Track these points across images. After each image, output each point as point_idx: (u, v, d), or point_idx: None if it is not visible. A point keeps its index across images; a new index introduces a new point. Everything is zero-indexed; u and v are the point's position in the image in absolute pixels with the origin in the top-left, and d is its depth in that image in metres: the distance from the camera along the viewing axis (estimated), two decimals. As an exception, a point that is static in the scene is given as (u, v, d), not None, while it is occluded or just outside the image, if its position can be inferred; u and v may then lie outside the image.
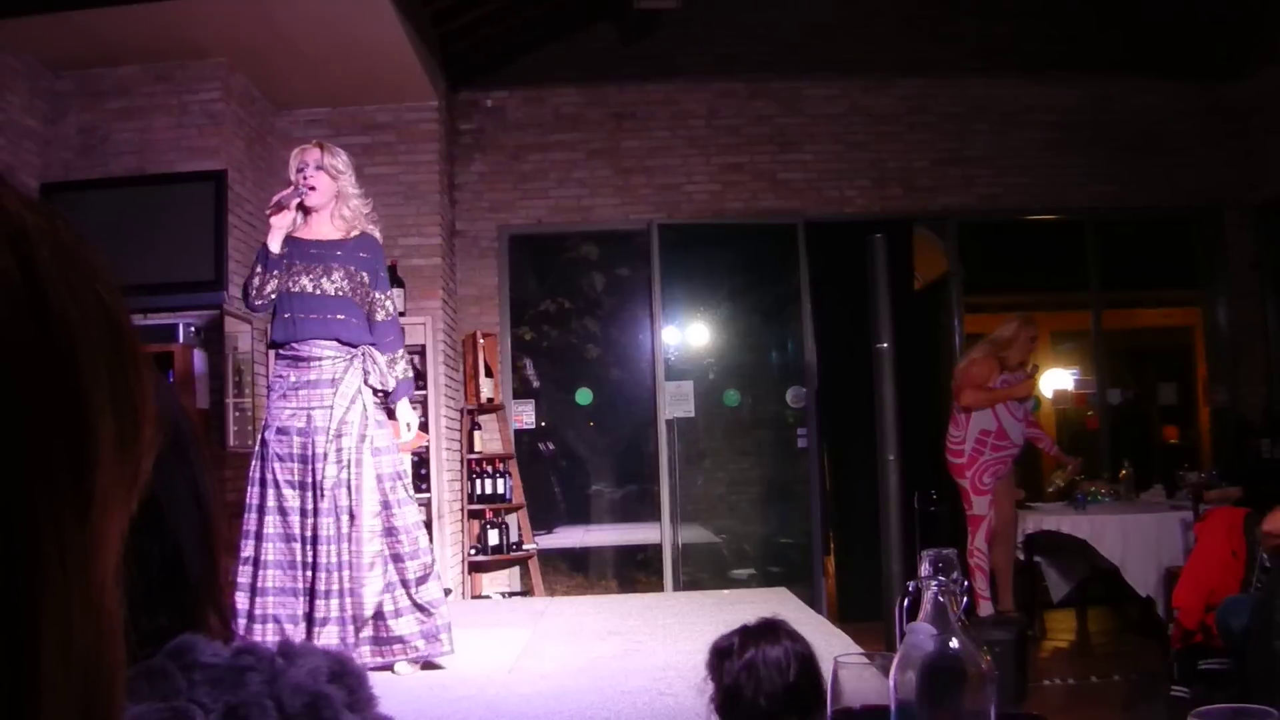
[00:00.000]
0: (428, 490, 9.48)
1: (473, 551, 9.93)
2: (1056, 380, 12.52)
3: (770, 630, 2.63)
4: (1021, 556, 8.95)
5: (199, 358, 7.93)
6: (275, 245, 5.71)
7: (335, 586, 5.47)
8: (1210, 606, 6.34)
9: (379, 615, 5.55)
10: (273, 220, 5.74)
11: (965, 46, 10.94)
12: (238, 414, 8.26)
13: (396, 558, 5.61)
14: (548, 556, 10.85)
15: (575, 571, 11.38)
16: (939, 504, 8.78)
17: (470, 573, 9.98)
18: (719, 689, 2.56)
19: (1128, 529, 8.29)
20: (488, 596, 9.94)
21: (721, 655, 2.57)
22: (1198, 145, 11.00)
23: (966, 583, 7.47)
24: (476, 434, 10.17)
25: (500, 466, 10.11)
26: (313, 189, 5.74)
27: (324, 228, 5.82)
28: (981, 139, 10.98)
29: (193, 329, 7.99)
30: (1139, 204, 10.99)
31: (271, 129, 9.55)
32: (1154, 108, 11.05)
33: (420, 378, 9.52)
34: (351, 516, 5.50)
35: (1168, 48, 10.73)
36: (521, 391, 10.97)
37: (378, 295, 5.85)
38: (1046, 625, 9.44)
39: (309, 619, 5.49)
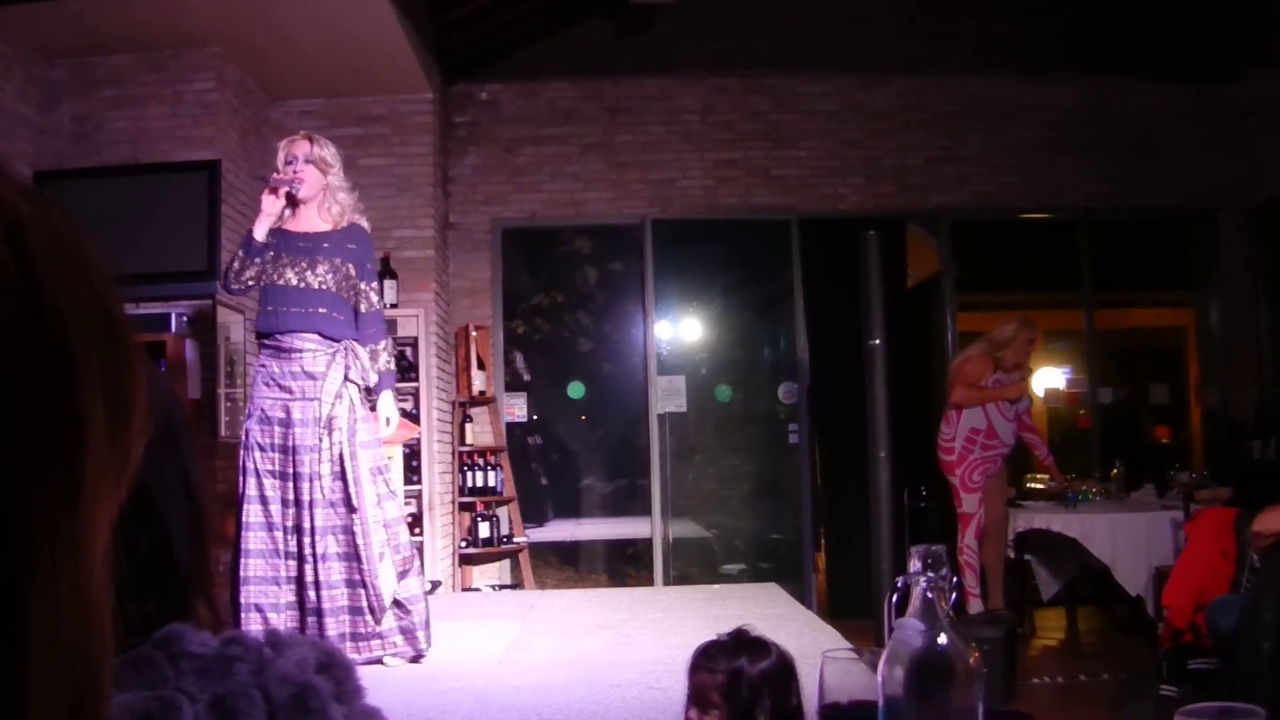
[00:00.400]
0: (419, 482, 9.50)
1: (463, 544, 9.94)
2: (1048, 379, 12.54)
3: (759, 642, 2.61)
4: (1012, 554, 8.96)
5: (191, 347, 7.92)
6: (260, 233, 5.72)
7: (325, 578, 5.48)
8: (1199, 606, 6.35)
9: (358, 611, 5.55)
10: (264, 204, 5.74)
11: (962, 45, 10.94)
12: (229, 404, 8.26)
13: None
14: (538, 550, 10.85)
15: (565, 565, 11.39)
16: (928, 500, 8.79)
17: (460, 565, 9.98)
18: (731, 713, 2.51)
19: (1118, 528, 8.29)
20: (477, 589, 9.94)
21: (735, 679, 2.51)
22: (1193, 146, 11.00)
23: (956, 579, 7.49)
24: (468, 426, 10.17)
25: (491, 459, 10.12)
26: (301, 182, 5.73)
27: (312, 220, 5.81)
28: (976, 138, 10.99)
29: (185, 318, 7.99)
30: (1133, 204, 11.00)
31: (266, 119, 9.54)
32: (1150, 109, 11.06)
33: (412, 370, 9.53)
34: (352, 509, 5.51)
35: (1164, 49, 10.72)
36: (513, 385, 10.97)
37: (363, 286, 5.83)
38: (1036, 623, 9.46)
39: (301, 608, 5.51)
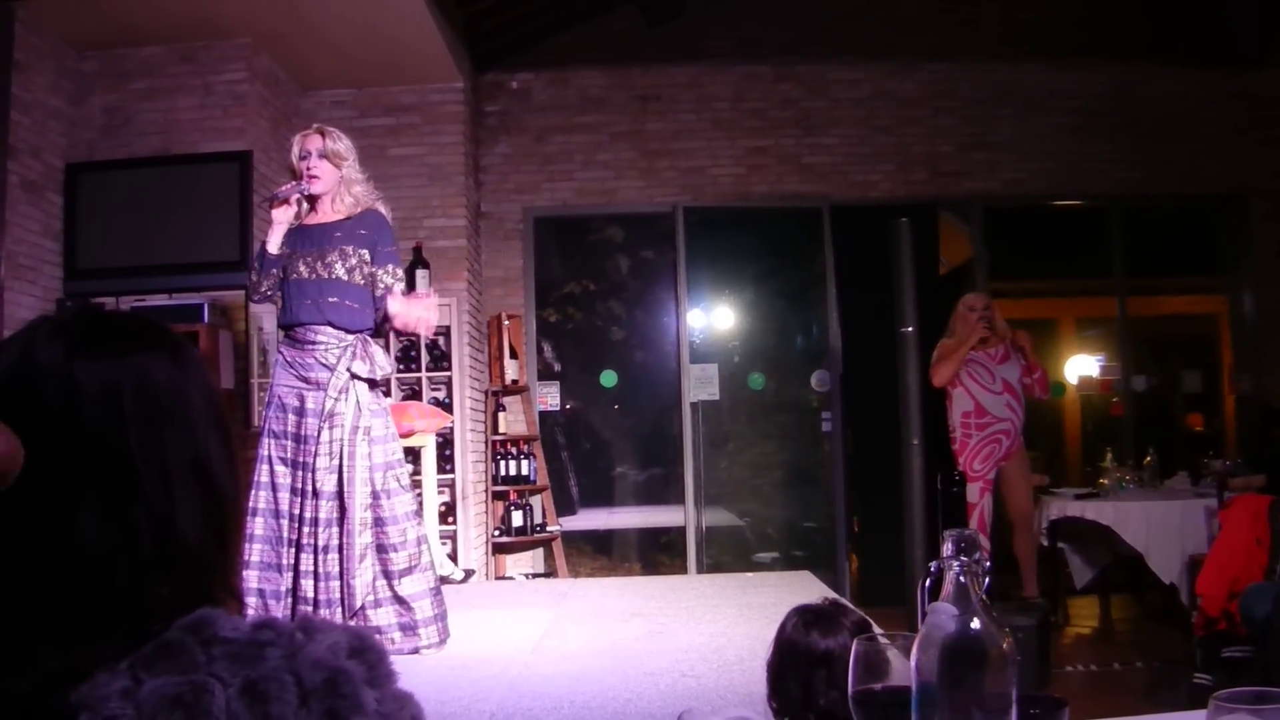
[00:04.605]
0: (452, 471, 9.52)
1: (496, 533, 9.96)
2: (1081, 366, 12.49)
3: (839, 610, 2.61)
4: (1045, 542, 8.94)
5: (223, 338, 7.95)
6: (274, 245, 5.72)
7: (323, 569, 5.48)
8: (1234, 594, 6.33)
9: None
10: (274, 214, 5.74)
11: (989, 31, 10.92)
12: (262, 393, 8.28)
13: (381, 549, 5.58)
14: (571, 538, 10.86)
15: (599, 553, 11.39)
16: (961, 486, 8.76)
17: (494, 554, 10.01)
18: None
19: (1151, 516, 8.27)
20: (511, 578, 9.96)
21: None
22: (1222, 132, 10.95)
23: (990, 564, 7.46)
24: (501, 415, 10.18)
25: (524, 448, 10.13)
26: (316, 178, 5.73)
27: (325, 212, 5.79)
28: (1006, 124, 10.96)
29: (217, 309, 8.02)
30: (1163, 191, 10.96)
31: (296, 110, 9.56)
32: (1178, 94, 11.01)
33: (445, 359, 9.57)
34: (343, 507, 5.51)
35: (1192, 34, 10.68)
36: (546, 373, 10.98)
37: (378, 271, 5.80)
38: (1069, 612, 9.43)
39: (294, 596, 5.51)
